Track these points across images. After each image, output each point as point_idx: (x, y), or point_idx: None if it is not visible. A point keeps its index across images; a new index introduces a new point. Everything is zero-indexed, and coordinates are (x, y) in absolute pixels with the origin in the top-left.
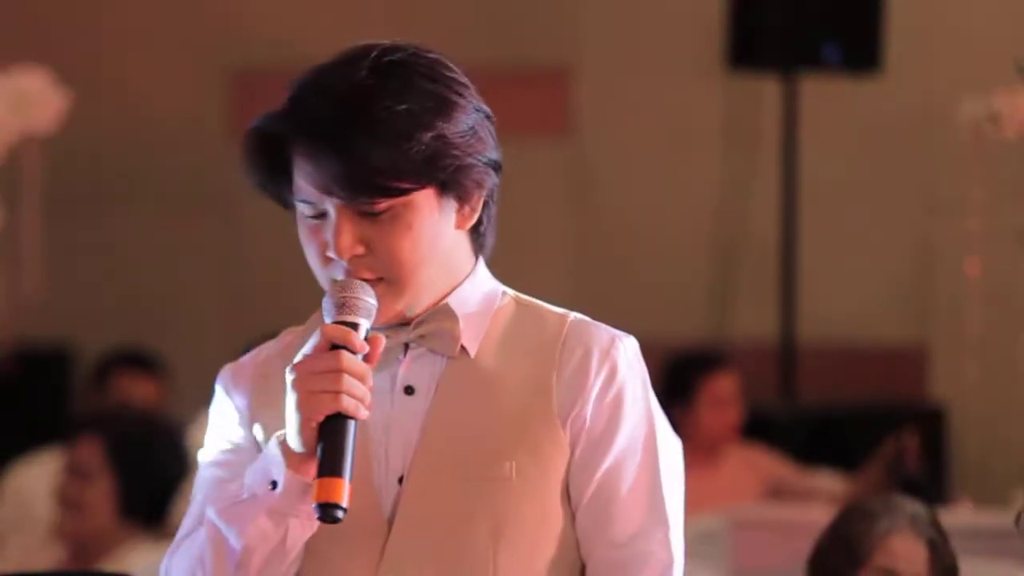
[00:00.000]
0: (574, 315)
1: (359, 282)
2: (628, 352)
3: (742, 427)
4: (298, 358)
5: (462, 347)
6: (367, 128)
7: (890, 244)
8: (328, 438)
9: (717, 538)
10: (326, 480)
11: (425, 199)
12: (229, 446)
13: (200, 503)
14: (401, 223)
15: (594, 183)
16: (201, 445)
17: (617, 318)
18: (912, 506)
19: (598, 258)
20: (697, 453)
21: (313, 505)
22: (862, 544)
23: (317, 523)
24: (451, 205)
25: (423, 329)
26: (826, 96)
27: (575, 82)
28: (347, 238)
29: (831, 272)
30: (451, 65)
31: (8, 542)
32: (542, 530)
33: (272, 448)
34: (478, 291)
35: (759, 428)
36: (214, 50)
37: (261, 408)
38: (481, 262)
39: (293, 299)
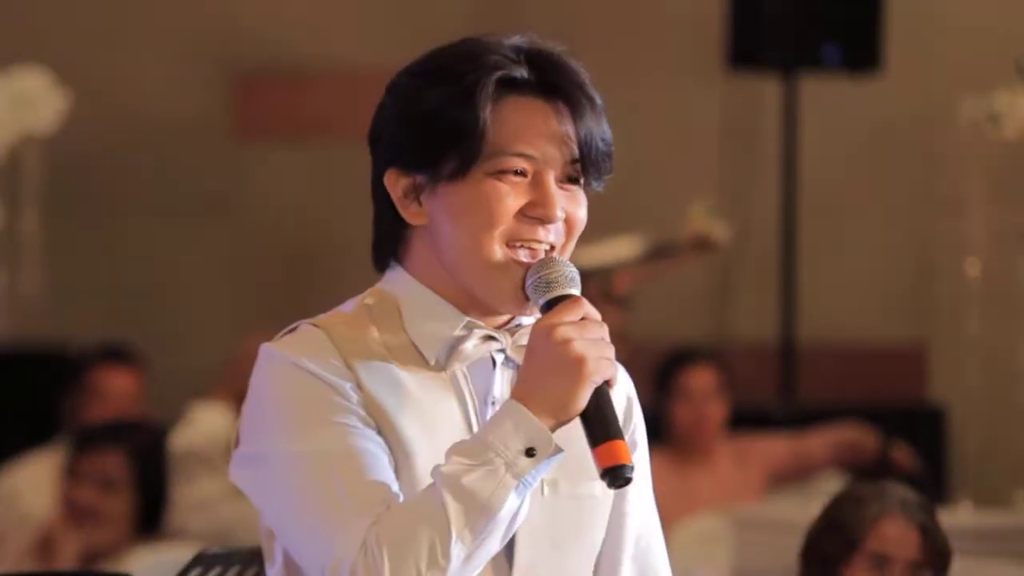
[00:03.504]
0: None
1: (554, 258)
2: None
3: (732, 422)
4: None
5: None
6: (603, 116)
7: (890, 244)
8: (600, 404)
9: (717, 538)
10: (611, 444)
11: None
12: (350, 417)
13: (367, 482)
14: (582, 197)
15: None
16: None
17: None
18: (902, 491)
19: None
20: (680, 450)
21: (601, 472)
22: (854, 529)
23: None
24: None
25: (521, 338)
26: (826, 96)
27: None
28: (561, 201)
29: (831, 272)
30: None
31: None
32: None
33: (521, 413)
34: None
35: (759, 428)
36: (214, 50)
37: (367, 385)
38: None
39: (293, 299)
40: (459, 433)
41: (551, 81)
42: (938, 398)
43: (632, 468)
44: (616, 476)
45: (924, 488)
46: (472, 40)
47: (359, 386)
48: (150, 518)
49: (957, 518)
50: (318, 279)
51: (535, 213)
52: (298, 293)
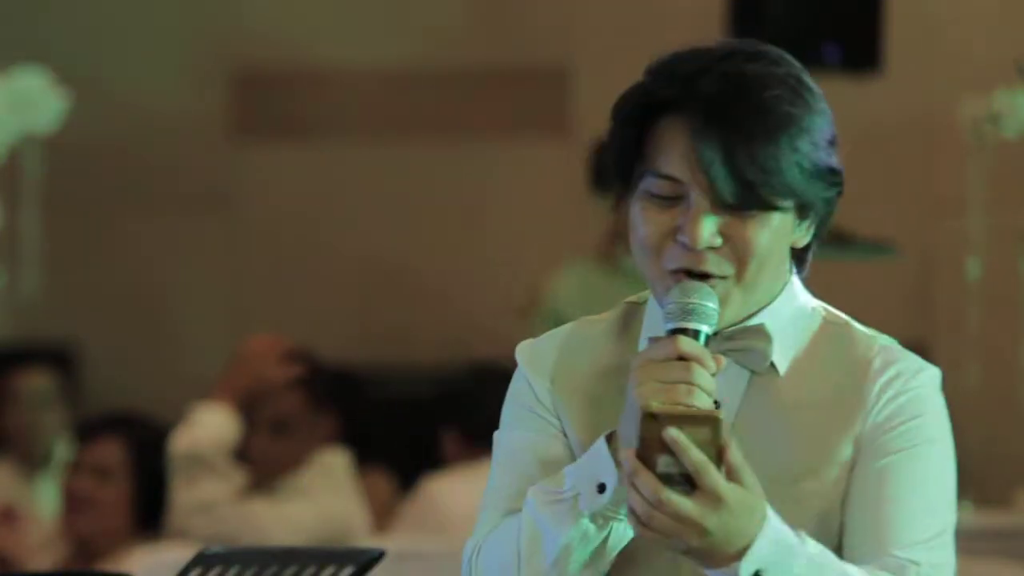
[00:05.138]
0: (883, 338)
1: (704, 287)
2: (929, 383)
3: None
4: (640, 361)
5: (771, 363)
6: (775, 136)
7: (889, 244)
8: None
9: None
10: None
11: (786, 211)
12: (536, 425)
13: (514, 481)
14: (763, 220)
15: None
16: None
17: None
18: None
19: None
20: None
21: None
22: None
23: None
24: (800, 221)
25: (733, 344)
26: (826, 96)
27: (575, 82)
28: (710, 227)
29: (831, 272)
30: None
31: None
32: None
33: (601, 449)
34: (790, 306)
35: None
36: (214, 50)
37: (561, 393)
38: (796, 278)
39: (293, 299)
40: None
41: (705, 101)
42: None
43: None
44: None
45: None
46: (676, 52)
47: (555, 391)
48: (148, 511)
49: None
50: (318, 279)
51: (680, 238)
52: (298, 293)
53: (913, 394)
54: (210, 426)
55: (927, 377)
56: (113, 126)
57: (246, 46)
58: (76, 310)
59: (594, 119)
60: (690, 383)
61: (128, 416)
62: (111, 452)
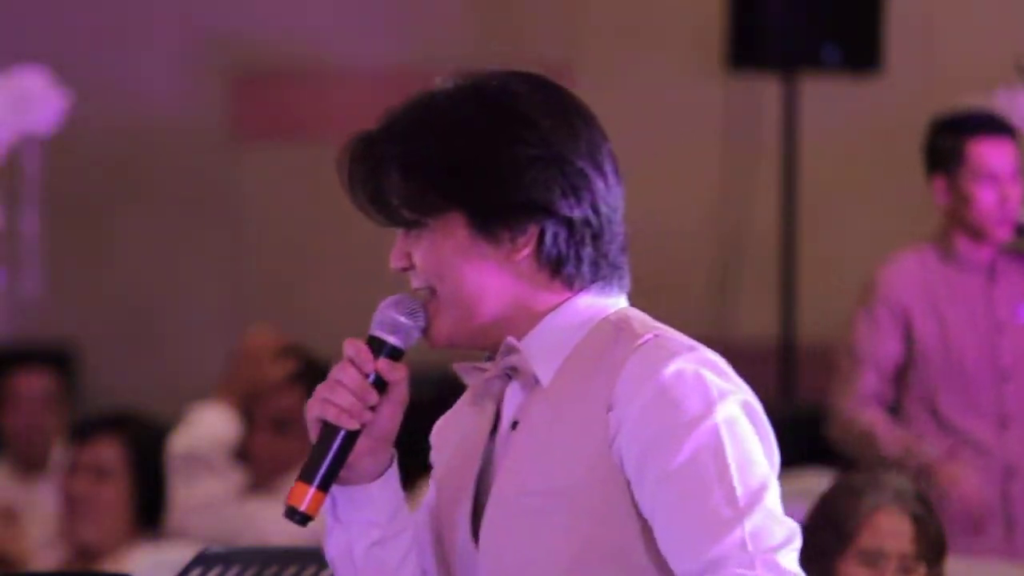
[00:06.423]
0: (650, 336)
1: (399, 298)
2: (681, 372)
3: None
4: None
5: (535, 377)
6: (390, 151)
7: (890, 244)
8: (316, 445)
9: None
10: (297, 484)
11: (454, 225)
12: None
13: None
14: (427, 241)
15: None
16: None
17: None
18: (897, 480)
19: None
20: None
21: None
22: (848, 522)
23: (376, 530)
24: (492, 235)
25: (504, 362)
26: (826, 96)
27: (575, 81)
28: (394, 249)
29: (831, 272)
30: (529, 92)
31: None
32: (609, 559)
33: None
34: (565, 321)
35: None
36: (214, 50)
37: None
38: (585, 295)
39: (293, 299)
40: (477, 448)
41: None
42: None
43: (307, 518)
44: (289, 515)
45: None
46: None
47: None
48: (148, 511)
49: None
50: (317, 279)
51: None
52: (297, 293)
53: (659, 385)
54: (210, 426)
55: (679, 365)
56: (113, 127)
57: (246, 46)
58: (76, 310)
59: None
60: (336, 380)
61: (127, 416)
62: (110, 452)
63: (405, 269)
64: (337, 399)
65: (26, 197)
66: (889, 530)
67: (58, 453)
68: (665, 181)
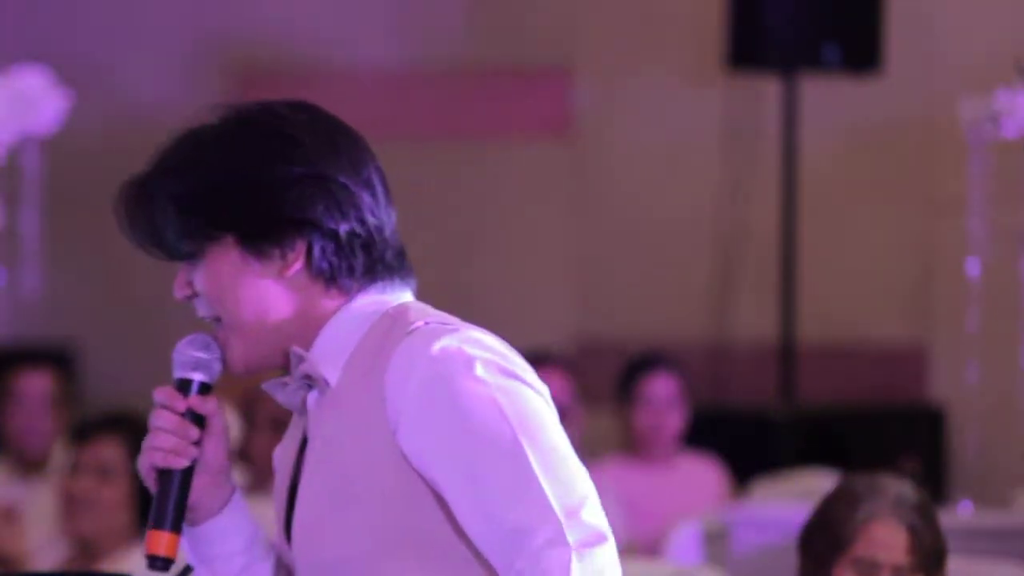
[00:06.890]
0: (420, 323)
1: (192, 336)
2: (445, 350)
3: (732, 422)
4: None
5: (326, 380)
6: (161, 187)
7: (890, 244)
8: (157, 493)
9: (717, 538)
10: (150, 533)
11: (227, 248)
12: None
13: None
14: (205, 267)
15: (594, 183)
16: None
17: (617, 318)
18: (897, 487)
19: (598, 258)
20: (641, 456)
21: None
22: (843, 530)
23: (239, 558)
24: (262, 253)
25: (300, 370)
26: (826, 96)
27: (575, 82)
28: (177, 278)
29: (831, 272)
30: (271, 117)
31: None
32: (413, 547)
33: None
34: (343, 323)
35: (759, 428)
36: (214, 50)
37: None
38: (363, 296)
39: None
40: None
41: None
42: (938, 398)
43: (168, 562)
44: (151, 564)
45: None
46: None
47: None
48: (149, 511)
49: (957, 518)
50: None
51: None
52: None
53: (426, 368)
54: None
55: (443, 343)
56: (113, 126)
57: (246, 46)
58: (76, 310)
59: (594, 119)
60: (155, 427)
61: (128, 416)
62: (111, 452)
63: (189, 298)
64: (160, 443)
65: (26, 197)
66: (884, 541)
67: (59, 453)
68: (665, 181)
